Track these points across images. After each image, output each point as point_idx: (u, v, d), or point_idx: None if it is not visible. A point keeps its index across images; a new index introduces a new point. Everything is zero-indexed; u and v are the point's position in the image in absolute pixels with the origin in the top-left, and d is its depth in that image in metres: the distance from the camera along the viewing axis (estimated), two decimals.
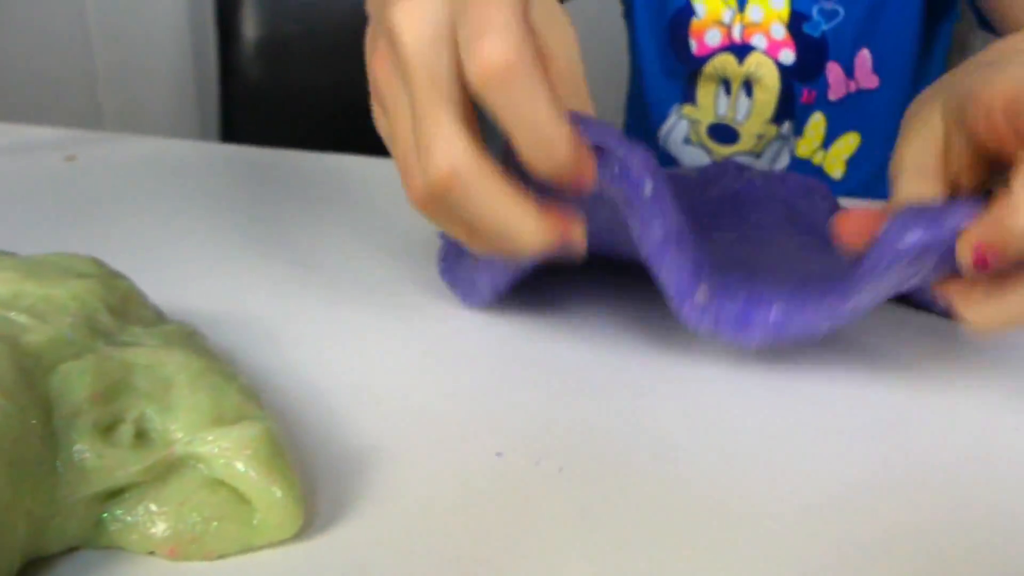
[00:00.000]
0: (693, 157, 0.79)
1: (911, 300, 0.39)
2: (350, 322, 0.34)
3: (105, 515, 0.21)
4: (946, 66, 0.79)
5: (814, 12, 0.72)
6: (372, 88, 0.32)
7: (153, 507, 0.21)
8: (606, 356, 0.33)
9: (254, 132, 1.39)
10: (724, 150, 0.78)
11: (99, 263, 0.28)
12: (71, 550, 0.21)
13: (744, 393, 0.31)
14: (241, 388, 0.24)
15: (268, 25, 1.37)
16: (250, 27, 1.38)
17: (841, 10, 0.72)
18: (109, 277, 0.27)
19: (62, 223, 0.43)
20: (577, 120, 0.27)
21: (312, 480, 0.25)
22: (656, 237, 0.28)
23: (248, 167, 0.54)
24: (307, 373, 0.30)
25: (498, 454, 0.27)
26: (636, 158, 0.27)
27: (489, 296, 0.34)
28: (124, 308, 0.26)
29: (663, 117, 0.79)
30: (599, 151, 0.27)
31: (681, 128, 0.79)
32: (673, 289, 0.29)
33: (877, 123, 0.76)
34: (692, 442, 0.28)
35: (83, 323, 0.23)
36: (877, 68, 0.74)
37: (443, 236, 0.41)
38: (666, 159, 0.81)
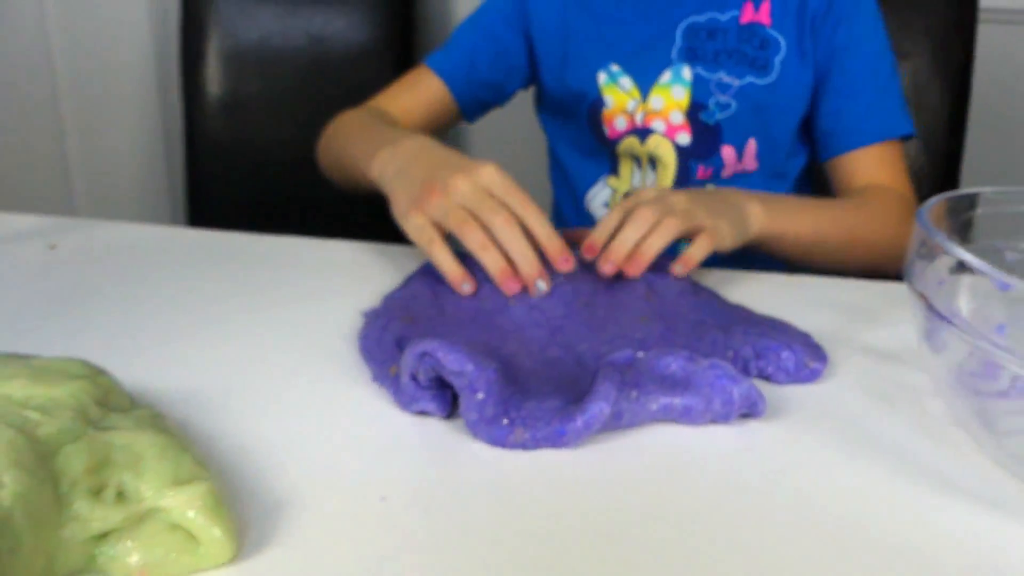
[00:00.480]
0: None
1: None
2: (280, 395, 0.44)
3: (96, 551, 0.31)
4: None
5: (711, 103, 0.83)
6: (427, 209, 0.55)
7: (129, 544, 0.31)
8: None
9: (218, 183, 1.47)
10: None
11: (87, 364, 0.38)
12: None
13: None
14: (192, 457, 0.34)
15: (230, 83, 1.45)
16: (213, 85, 1.45)
17: (734, 104, 0.83)
18: (95, 375, 0.37)
19: (50, 311, 0.52)
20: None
21: (244, 520, 0.34)
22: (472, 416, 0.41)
23: (211, 251, 0.63)
24: (243, 438, 0.40)
25: (382, 498, 0.37)
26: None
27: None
28: (106, 399, 0.36)
29: (589, 186, 0.90)
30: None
31: (604, 195, 0.90)
32: (490, 440, 0.41)
33: None
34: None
35: (78, 415, 0.33)
36: (759, 156, 0.85)
37: (366, 315, 0.51)
38: (588, 218, 0.91)
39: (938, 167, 1.09)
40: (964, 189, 0.49)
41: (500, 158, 0.74)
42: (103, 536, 0.31)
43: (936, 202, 0.44)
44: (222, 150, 1.46)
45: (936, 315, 0.40)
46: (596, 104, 0.85)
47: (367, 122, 0.80)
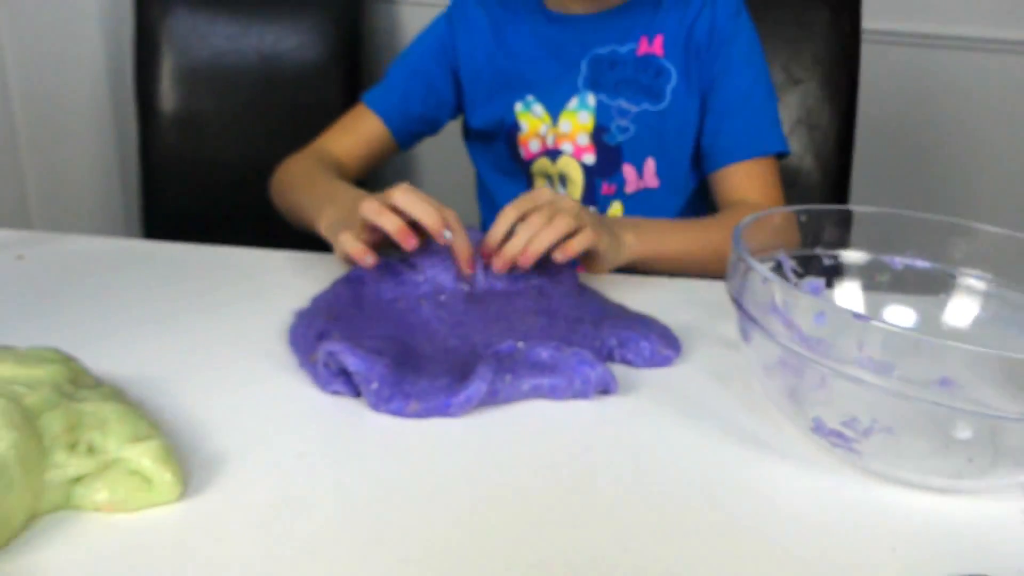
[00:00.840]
0: None
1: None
2: (220, 378, 0.53)
3: (72, 491, 0.40)
4: None
5: (612, 127, 0.93)
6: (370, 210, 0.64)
7: (98, 485, 0.40)
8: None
9: (172, 196, 1.53)
10: None
11: (60, 352, 0.47)
12: (51, 512, 0.40)
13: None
14: (148, 423, 0.44)
15: (183, 99, 1.51)
16: (167, 102, 1.51)
17: (632, 128, 0.93)
18: (67, 360, 0.46)
19: (23, 312, 0.61)
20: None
21: (187, 470, 0.44)
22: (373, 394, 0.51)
23: (164, 260, 0.72)
24: (189, 411, 0.49)
25: (300, 455, 0.46)
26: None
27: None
28: (76, 379, 0.45)
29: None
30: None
31: None
32: (389, 412, 0.51)
33: (658, 214, 0.96)
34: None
35: (55, 390, 0.42)
36: (659, 173, 0.95)
37: (296, 313, 0.61)
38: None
39: (830, 182, 1.21)
40: (785, 208, 0.60)
41: (435, 182, 0.83)
42: (78, 479, 0.40)
43: (751, 220, 0.55)
44: (176, 164, 1.52)
45: (745, 315, 0.50)
46: (513, 129, 0.95)
47: (313, 173, 0.89)
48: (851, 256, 0.61)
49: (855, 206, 0.60)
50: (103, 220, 1.79)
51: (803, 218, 0.60)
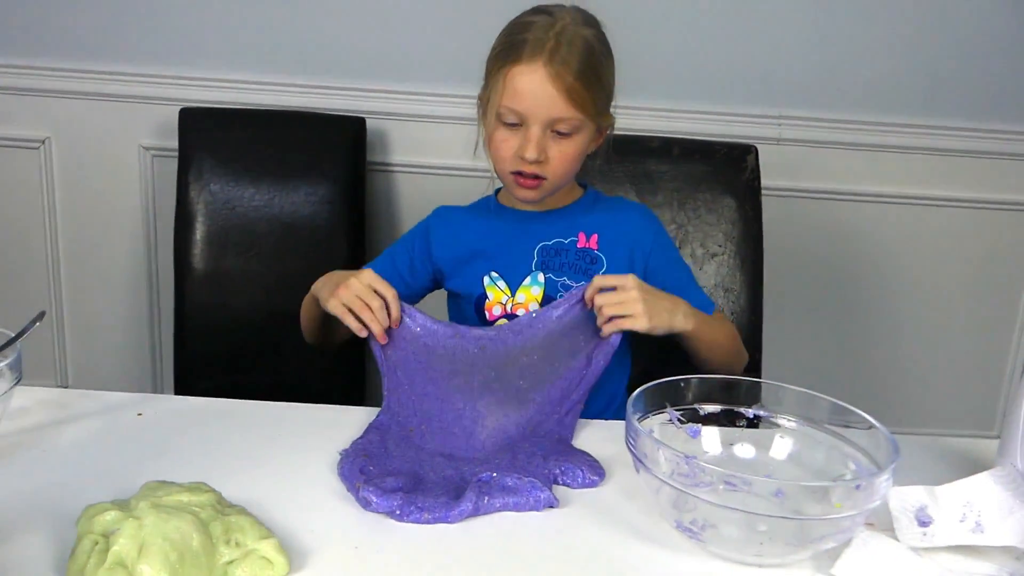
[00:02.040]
0: None
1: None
2: (298, 497, 0.82)
3: (228, 569, 0.68)
4: None
5: (557, 296, 1.17)
6: (338, 296, 1.04)
7: (243, 565, 0.68)
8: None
9: (202, 342, 1.79)
10: None
11: (206, 485, 0.76)
12: None
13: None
14: (265, 528, 0.72)
15: (214, 259, 1.79)
16: (200, 261, 1.79)
17: None
18: (212, 490, 0.75)
19: (150, 456, 0.89)
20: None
21: (292, 555, 0.72)
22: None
23: (235, 416, 1.00)
24: (281, 522, 0.77)
25: (355, 547, 0.75)
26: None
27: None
28: (220, 501, 0.74)
29: None
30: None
31: None
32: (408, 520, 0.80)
33: None
34: None
35: (213, 508, 0.71)
36: None
37: (341, 453, 0.90)
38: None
39: (744, 335, 1.51)
40: (671, 378, 0.90)
41: None
42: (231, 562, 0.69)
43: (643, 389, 0.85)
44: (206, 315, 1.77)
45: (635, 457, 0.80)
46: (481, 298, 1.23)
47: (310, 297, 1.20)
48: (716, 408, 0.91)
49: (713, 376, 0.91)
50: (134, 362, 2.05)
51: (682, 384, 0.90)
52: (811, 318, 1.96)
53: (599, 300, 1.04)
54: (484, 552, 0.76)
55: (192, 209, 1.75)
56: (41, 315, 0.92)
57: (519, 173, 1.14)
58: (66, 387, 2.04)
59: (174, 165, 1.76)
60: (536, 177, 1.13)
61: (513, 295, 1.22)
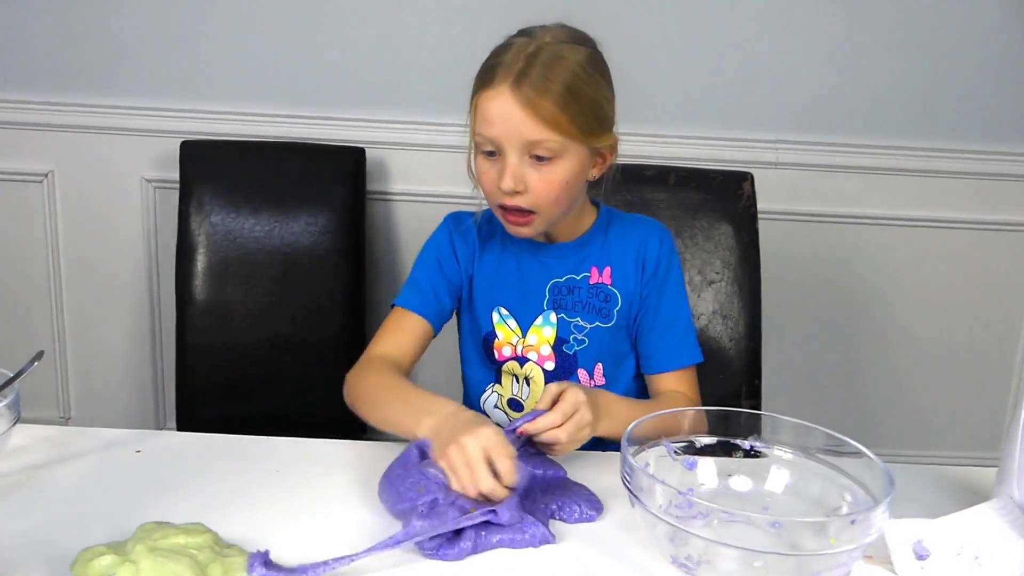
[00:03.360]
0: (498, 416, 1.23)
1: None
2: (303, 538, 0.82)
3: None
4: None
5: (570, 339, 1.16)
6: (449, 457, 0.87)
7: None
8: None
9: (204, 371, 1.79)
10: (516, 415, 1.20)
11: (203, 525, 0.76)
12: None
13: None
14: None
15: (216, 290, 1.79)
16: (201, 292, 1.79)
17: (587, 340, 1.16)
18: (209, 531, 0.75)
19: (148, 496, 0.89)
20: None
21: None
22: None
23: (248, 451, 1.01)
24: (284, 555, 0.78)
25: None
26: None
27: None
28: (217, 542, 0.74)
29: (482, 390, 1.23)
30: None
31: (493, 398, 1.22)
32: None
33: None
34: None
35: (211, 550, 0.71)
36: (605, 375, 1.17)
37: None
38: (483, 414, 1.19)
39: (743, 360, 1.52)
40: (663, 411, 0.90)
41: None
42: None
43: (638, 422, 0.85)
44: (207, 344, 1.77)
45: (631, 493, 0.80)
46: (490, 336, 1.19)
47: (391, 383, 1.07)
48: (712, 440, 0.91)
49: (711, 408, 0.91)
50: (136, 393, 2.06)
51: (679, 416, 0.91)
52: (810, 342, 1.96)
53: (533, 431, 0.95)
54: None
55: (193, 240, 1.76)
56: (40, 354, 0.92)
57: (503, 207, 1.07)
58: (68, 418, 2.05)
59: (175, 197, 1.77)
60: (523, 212, 1.07)
61: (524, 336, 1.18)
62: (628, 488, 0.80)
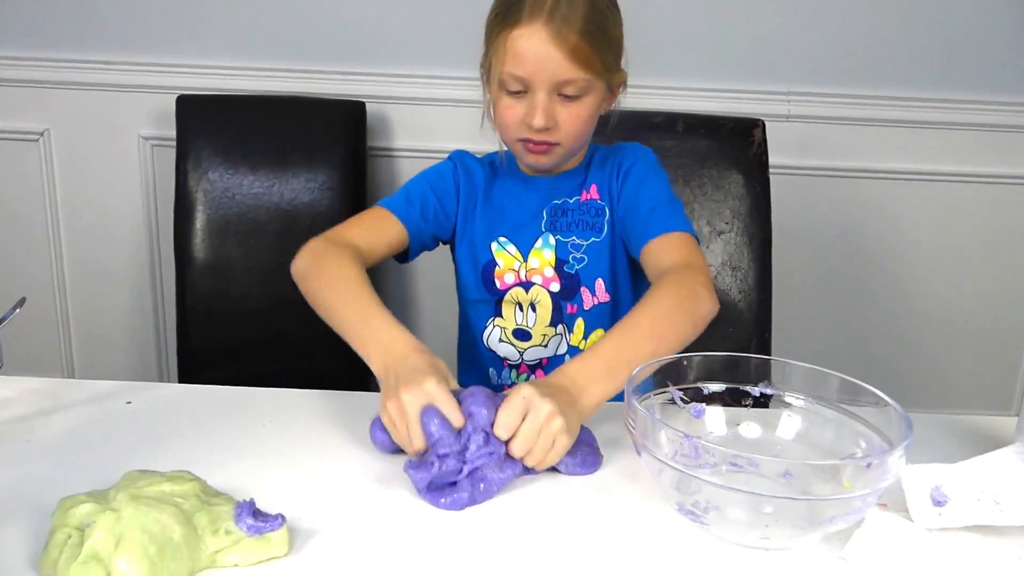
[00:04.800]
0: (505, 350, 1.21)
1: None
2: (297, 483, 0.79)
3: (215, 558, 0.66)
4: None
5: (569, 258, 1.16)
6: (388, 411, 0.83)
7: (231, 553, 0.66)
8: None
9: (204, 329, 1.77)
10: (523, 345, 1.20)
11: (190, 473, 0.73)
12: (204, 570, 0.65)
13: None
14: None
15: (214, 249, 1.77)
16: (200, 251, 1.77)
17: (586, 257, 1.16)
18: (196, 479, 0.72)
19: (141, 444, 0.86)
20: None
21: (293, 537, 0.69)
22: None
23: (233, 400, 0.98)
24: (290, 508, 0.75)
25: (380, 525, 0.72)
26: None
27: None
28: (205, 490, 0.71)
29: (483, 327, 1.21)
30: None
31: (496, 333, 1.21)
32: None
33: (614, 321, 1.12)
34: None
35: (197, 498, 0.68)
36: (608, 290, 1.17)
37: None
38: (488, 352, 1.22)
39: (753, 313, 1.48)
40: (673, 356, 0.86)
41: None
42: (218, 551, 0.66)
43: (642, 367, 0.81)
44: (207, 304, 1.76)
45: (635, 439, 0.76)
46: (490, 265, 1.18)
47: (354, 288, 0.99)
48: (720, 387, 0.87)
49: (718, 354, 0.87)
50: (138, 354, 2.04)
51: (685, 363, 0.87)
52: (822, 296, 1.92)
53: (516, 454, 0.82)
54: (483, 536, 0.73)
55: (192, 198, 1.74)
56: (22, 301, 0.89)
57: (527, 140, 1.08)
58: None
59: (173, 155, 1.73)
60: (546, 143, 1.08)
61: (525, 259, 1.18)
62: (632, 435, 0.76)
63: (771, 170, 1.52)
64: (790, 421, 0.85)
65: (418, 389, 0.82)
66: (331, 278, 1.02)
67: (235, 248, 1.77)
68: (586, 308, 1.19)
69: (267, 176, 1.76)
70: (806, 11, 1.77)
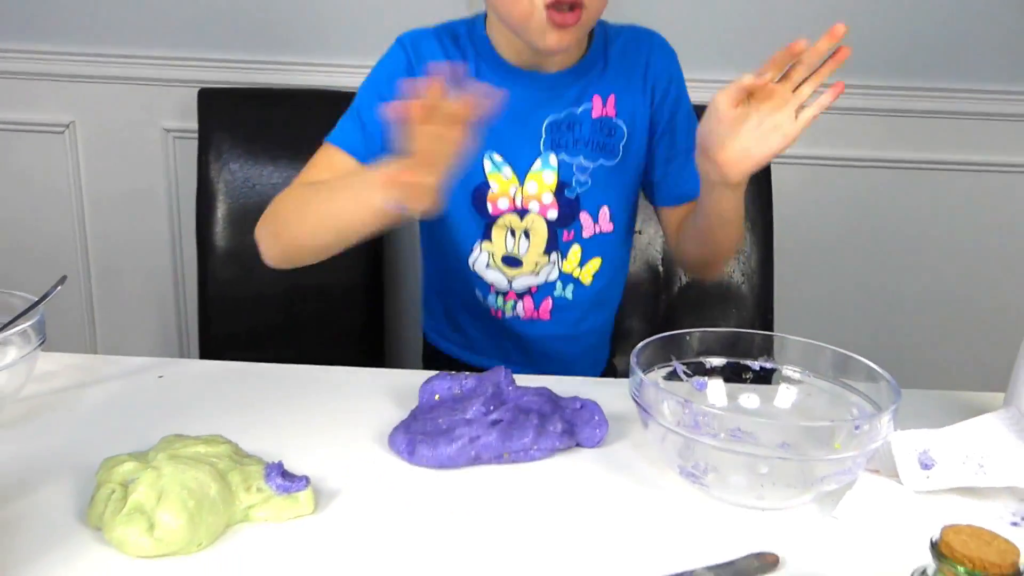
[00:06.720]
0: (493, 276, 1.14)
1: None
2: (321, 447, 0.84)
3: (248, 513, 0.71)
4: None
5: (572, 181, 1.07)
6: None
7: (263, 509, 0.71)
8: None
9: (225, 316, 1.83)
10: (513, 272, 1.13)
11: (222, 437, 0.78)
12: (238, 523, 0.71)
13: None
14: None
15: (235, 238, 1.82)
16: (222, 240, 1.82)
17: (590, 181, 1.08)
18: (228, 441, 0.77)
19: (173, 414, 0.92)
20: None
21: (317, 497, 0.74)
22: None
23: (263, 377, 1.03)
24: (314, 469, 0.80)
25: (387, 486, 0.77)
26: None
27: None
28: (237, 451, 0.76)
29: (468, 250, 1.12)
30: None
31: (483, 258, 1.12)
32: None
33: (612, 252, 1.14)
34: None
35: (230, 459, 0.74)
36: (613, 219, 1.10)
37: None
38: (475, 278, 1.14)
39: (755, 294, 1.52)
40: (677, 331, 0.91)
41: None
42: (251, 507, 0.71)
43: (647, 342, 0.86)
44: (229, 292, 1.80)
45: (641, 408, 0.81)
46: (482, 187, 1.06)
47: (315, 188, 0.96)
48: (721, 361, 0.92)
49: (719, 330, 0.92)
50: (161, 338, 2.10)
51: (688, 338, 0.92)
52: (823, 279, 1.95)
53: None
54: (492, 496, 0.78)
55: (213, 188, 1.78)
56: (63, 279, 0.95)
57: (556, 5, 0.92)
58: None
59: (195, 146, 1.79)
60: (573, 9, 0.93)
61: (522, 184, 1.07)
62: (638, 403, 0.81)
63: (777, 160, 1.55)
64: (787, 393, 0.90)
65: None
66: (294, 205, 0.98)
67: (253, 236, 1.83)
68: (584, 236, 1.11)
69: (286, 166, 1.81)
70: (810, 2, 1.80)
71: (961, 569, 0.51)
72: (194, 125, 1.80)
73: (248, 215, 1.79)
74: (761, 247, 1.51)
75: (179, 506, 0.67)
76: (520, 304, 1.17)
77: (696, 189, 1.01)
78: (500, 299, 1.17)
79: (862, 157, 1.89)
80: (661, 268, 1.53)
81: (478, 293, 1.17)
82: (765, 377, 0.92)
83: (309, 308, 1.83)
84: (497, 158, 1.05)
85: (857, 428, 0.73)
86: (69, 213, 1.99)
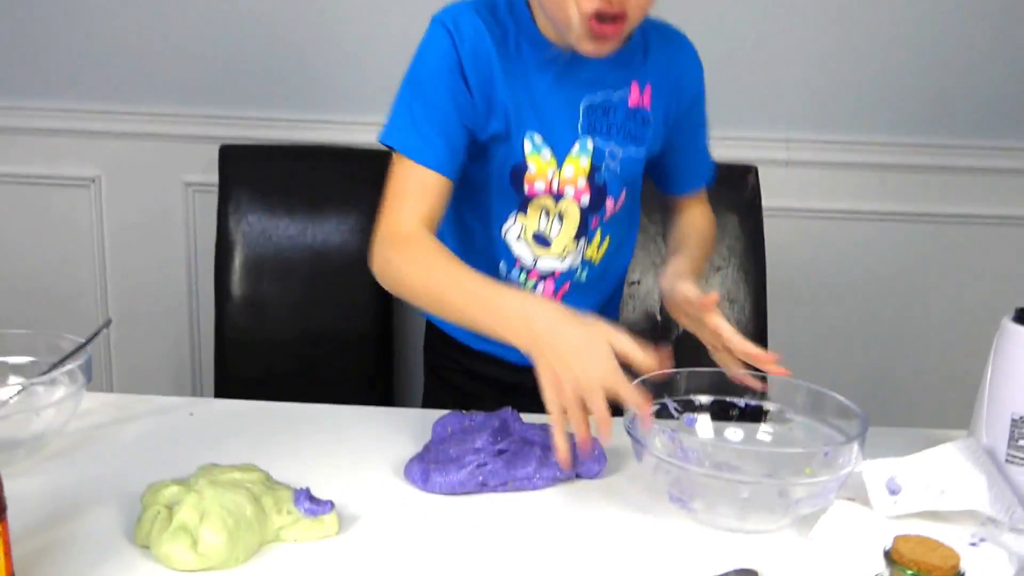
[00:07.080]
0: (520, 249, 1.12)
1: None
2: (339, 474, 0.92)
3: (279, 533, 0.79)
4: None
5: (603, 167, 1.07)
6: (561, 390, 0.83)
7: (293, 530, 0.79)
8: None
9: (240, 361, 1.90)
10: (540, 251, 1.12)
11: (255, 466, 0.86)
12: (270, 543, 0.78)
13: None
14: None
15: (252, 286, 1.91)
16: (238, 288, 1.91)
17: (618, 168, 1.09)
18: (258, 469, 0.86)
19: (203, 447, 0.99)
20: None
21: (340, 520, 0.82)
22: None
23: (285, 414, 1.11)
24: (337, 496, 0.88)
25: (408, 513, 0.85)
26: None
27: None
28: (268, 479, 0.84)
29: (504, 219, 1.10)
30: None
31: (516, 229, 1.11)
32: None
33: (621, 232, 1.18)
34: None
35: (263, 484, 0.82)
36: (626, 200, 1.12)
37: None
38: (503, 248, 1.12)
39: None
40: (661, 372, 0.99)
41: None
42: (281, 528, 0.79)
43: (640, 380, 0.94)
44: (244, 338, 1.89)
45: (635, 441, 0.89)
46: (520, 167, 1.04)
47: (445, 267, 0.93)
48: (710, 399, 1.00)
49: (707, 370, 1.00)
50: (175, 381, 2.17)
51: (679, 377, 1.00)
52: (816, 332, 2.01)
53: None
54: (498, 521, 0.86)
55: (231, 239, 1.87)
56: (108, 322, 1.04)
57: (599, 16, 0.91)
58: None
59: (214, 198, 1.88)
60: (616, 19, 0.92)
61: (560, 167, 1.05)
62: (632, 436, 0.89)
63: (770, 213, 1.64)
64: (768, 426, 0.98)
65: (593, 358, 0.81)
66: (425, 278, 0.96)
67: (270, 285, 1.91)
68: (605, 220, 1.13)
69: (301, 219, 1.90)
70: (804, 60, 1.86)
71: (909, 572, 0.59)
72: (214, 179, 1.90)
73: (264, 265, 1.88)
74: (754, 296, 1.60)
75: (220, 524, 0.75)
76: (541, 286, 1.15)
77: (700, 179, 1.22)
78: (523, 276, 1.15)
79: (852, 209, 1.96)
80: (659, 317, 1.62)
81: (503, 266, 1.14)
82: (750, 413, 1.00)
83: (321, 353, 1.91)
84: (537, 139, 1.03)
85: (826, 454, 0.81)
86: (91, 262, 2.07)
